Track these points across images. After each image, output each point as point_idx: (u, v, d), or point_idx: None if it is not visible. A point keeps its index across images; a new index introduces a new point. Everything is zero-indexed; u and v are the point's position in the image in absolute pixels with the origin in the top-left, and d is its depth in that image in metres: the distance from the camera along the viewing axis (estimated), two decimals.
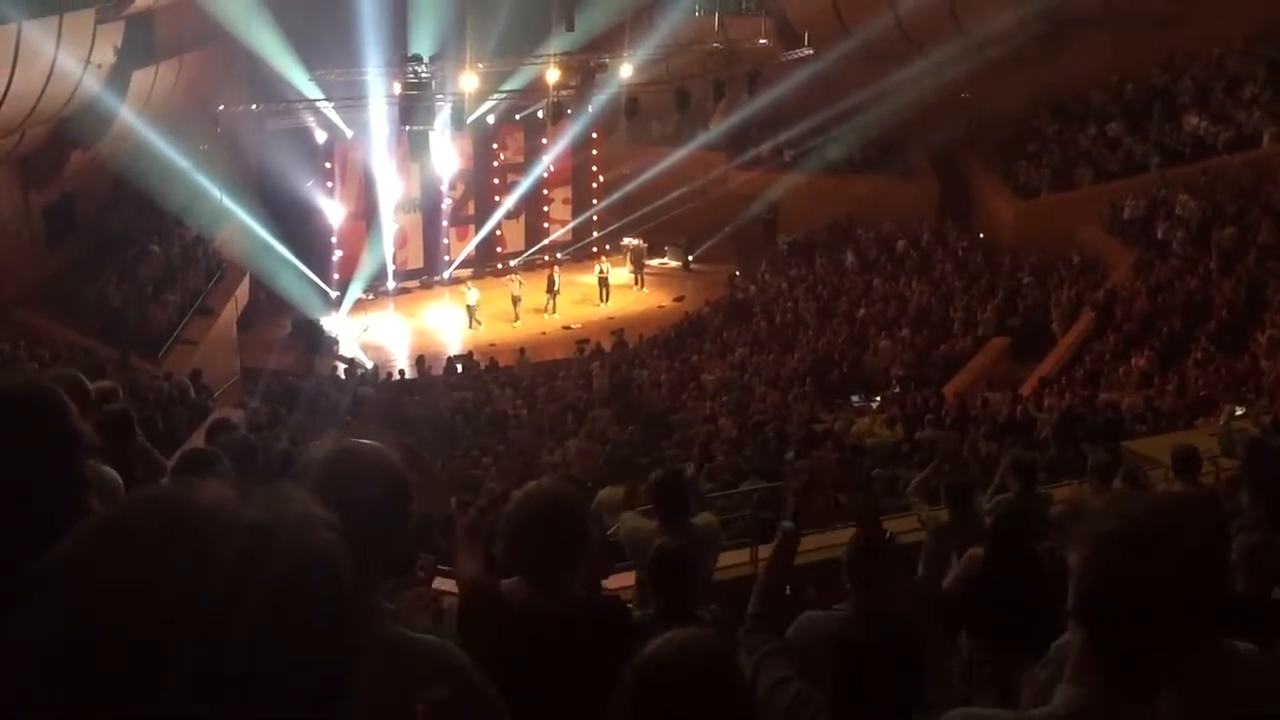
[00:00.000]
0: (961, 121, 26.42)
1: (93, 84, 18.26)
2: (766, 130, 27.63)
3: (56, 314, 19.67)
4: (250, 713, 0.75)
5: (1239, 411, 12.55)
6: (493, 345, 23.24)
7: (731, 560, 7.29)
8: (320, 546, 0.83)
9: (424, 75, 22.20)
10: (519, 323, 25.18)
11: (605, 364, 20.30)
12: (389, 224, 26.36)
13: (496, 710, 2.02)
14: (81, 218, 22.29)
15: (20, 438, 1.57)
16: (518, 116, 27.93)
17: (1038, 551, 5.12)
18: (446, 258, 27.72)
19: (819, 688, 2.49)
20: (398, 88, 22.93)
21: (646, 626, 2.82)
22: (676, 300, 26.57)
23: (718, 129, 28.06)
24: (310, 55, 23.09)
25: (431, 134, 25.37)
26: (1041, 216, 24.06)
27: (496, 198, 28.16)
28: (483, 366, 21.15)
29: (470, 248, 28.12)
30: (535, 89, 25.39)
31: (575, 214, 29.70)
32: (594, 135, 28.77)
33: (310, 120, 24.76)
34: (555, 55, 24.68)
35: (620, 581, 5.38)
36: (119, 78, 19.21)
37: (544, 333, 24.85)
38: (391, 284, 26.85)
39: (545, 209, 29.46)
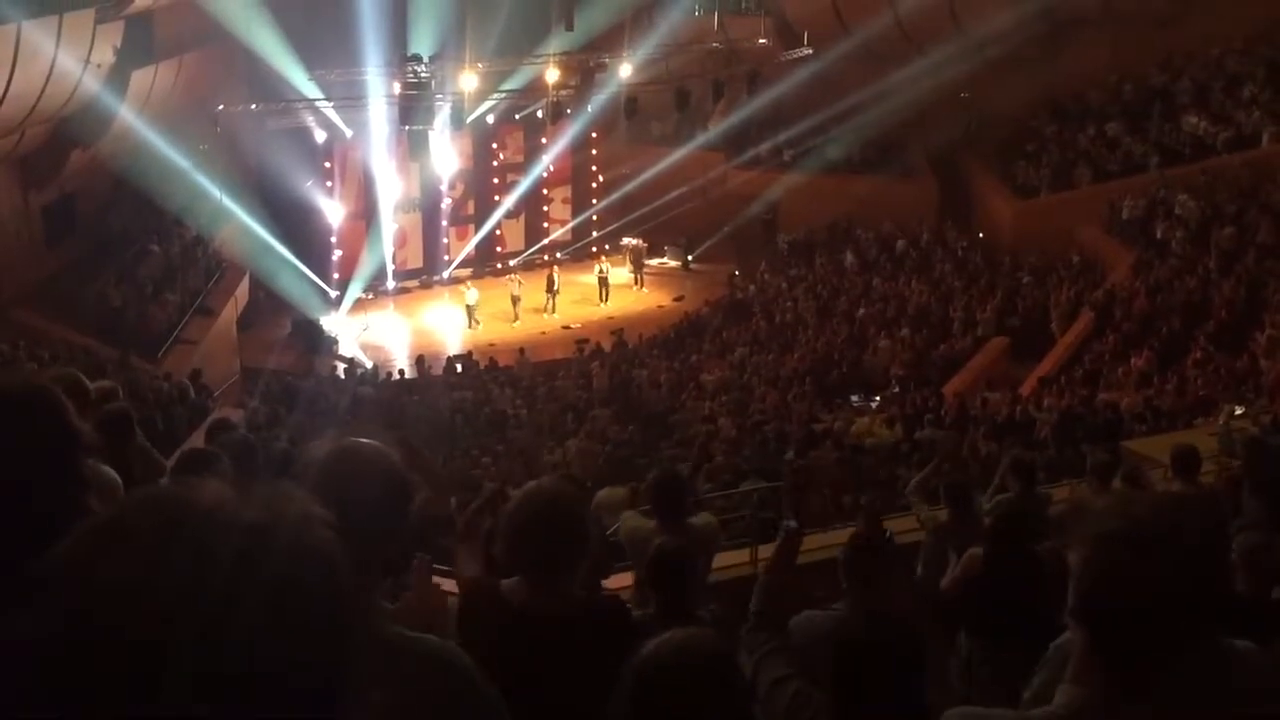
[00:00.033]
0: (961, 121, 26.43)
1: (92, 84, 18.26)
2: (766, 130, 27.62)
3: (56, 314, 19.67)
4: (250, 713, 0.75)
5: (1238, 411, 12.57)
6: (492, 345, 23.24)
7: (731, 560, 7.29)
8: (319, 546, 0.83)
9: (424, 75, 22.19)
10: (519, 322, 25.18)
11: (605, 364, 20.30)
12: (389, 224, 26.36)
13: (497, 710, 2.02)
14: (81, 217, 22.28)
15: (18, 437, 1.57)
16: (517, 116, 27.92)
17: (1037, 551, 5.12)
18: (446, 257, 27.72)
19: (819, 687, 2.49)
20: (397, 87, 22.92)
21: (646, 626, 2.82)
22: (676, 300, 26.57)
23: (717, 129, 28.06)
24: (310, 55, 23.09)
25: (431, 134, 25.38)
26: (1041, 216, 24.07)
27: (496, 197, 28.16)
28: (482, 366, 21.15)
29: (470, 247, 28.12)
30: (535, 89, 25.38)
31: (575, 214, 29.70)
32: (593, 135, 28.76)
33: (310, 120, 24.76)
34: (555, 55, 24.68)
35: (619, 581, 5.38)
36: (118, 77, 19.21)
37: (544, 332, 24.85)
38: (391, 284, 26.84)
39: (545, 209, 29.46)
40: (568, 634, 2.56)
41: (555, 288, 25.91)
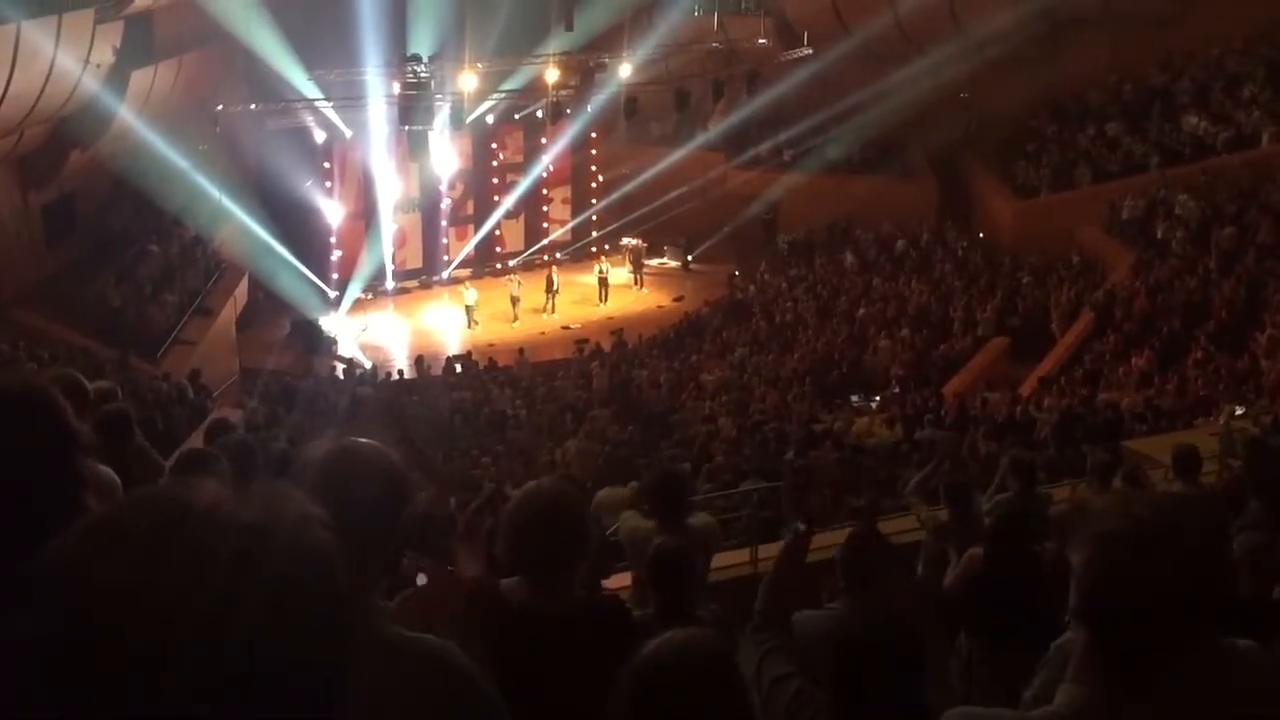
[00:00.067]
0: (961, 121, 26.44)
1: (92, 84, 18.26)
2: (766, 130, 27.64)
3: (55, 314, 19.66)
4: (250, 713, 0.75)
5: (1239, 411, 12.58)
6: (492, 345, 23.24)
7: (731, 560, 7.29)
8: (318, 546, 0.83)
9: (423, 75, 22.19)
10: (518, 323, 25.18)
11: (604, 364, 20.30)
12: (388, 224, 26.37)
13: (497, 710, 2.01)
14: (81, 218, 22.28)
15: (17, 437, 1.57)
16: (517, 116, 27.93)
17: (1037, 551, 5.12)
18: (446, 258, 27.72)
19: (819, 686, 2.48)
20: (397, 87, 22.92)
21: (646, 626, 2.82)
22: (676, 300, 26.57)
23: (717, 129, 28.07)
24: (309, 55, 23.09)
25: (431, 134, 25.38)
26: (1041, 216, 24.07)
27: (496, 197, 28.17)
28: (482, 366, 21.15)
29: (469, 248, 28.12)
30: (534, 89, 25.39)
31: (574, 214, 29.71)
32: (593, 135, 28.77)
33: (309, 120, 24.76)
34: (554, 55, 24.68)
35: (618, 582, 5.38)
36: (118, 78, 19.20)
37: (543, 333, 24.85)
38: (390, 284, 26.85)
39: (544, 209, 29.47)
40: (568, 634, 2.55)
41: (554, 288, 25.92)
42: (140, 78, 20.04)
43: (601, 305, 26.41)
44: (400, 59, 22.59)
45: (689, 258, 28.27)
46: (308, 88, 23.78)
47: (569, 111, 25.22)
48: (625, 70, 25.54)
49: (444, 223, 27.63)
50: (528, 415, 17.47)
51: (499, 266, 28.16)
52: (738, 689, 1.89)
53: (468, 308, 24.98)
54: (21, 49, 15.76)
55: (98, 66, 18.22)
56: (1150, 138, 24.01)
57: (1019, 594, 4.70)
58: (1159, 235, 21.23)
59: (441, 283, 27.45)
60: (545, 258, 28.64)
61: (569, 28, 24.71)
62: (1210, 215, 20.74)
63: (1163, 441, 9.65)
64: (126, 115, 19.75)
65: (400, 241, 27.09)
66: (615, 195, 28.50)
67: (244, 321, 24.06)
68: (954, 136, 26.43)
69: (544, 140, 28.11)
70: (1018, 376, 18.78)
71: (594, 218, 29.48)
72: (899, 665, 2.31)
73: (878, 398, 18.10)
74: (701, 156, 27.71)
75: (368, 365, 22.17)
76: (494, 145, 28.48)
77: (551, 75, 24.41)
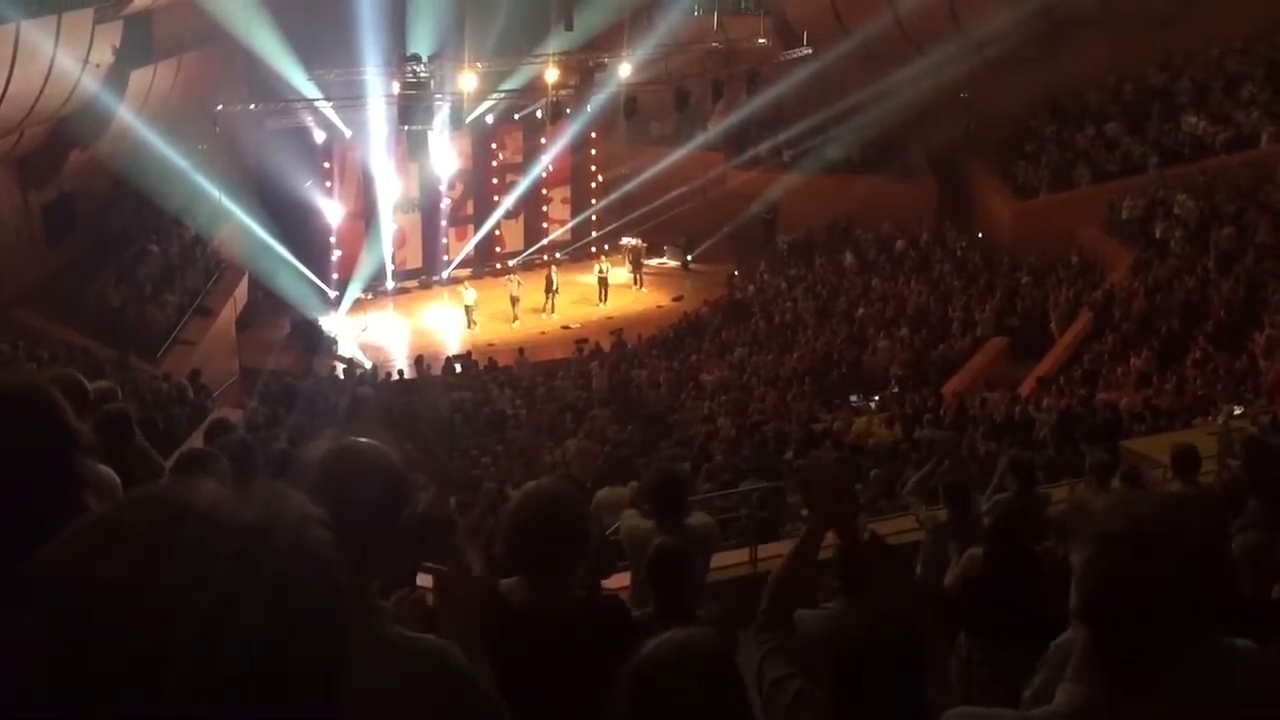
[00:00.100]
0: (960, 121, 26.43)
1: (91, 84, 18.25)
2: (765, 130, 27.63)
3: (55, 314, 19.66)
4: (250, 713, 0.75)
5: (1237, 411, 12.59)
6: (491, 345, 23.24)
7: (731, 560, 7.29)
8: (317, 546, 0.83)
9: (423, 75, 22.19)
10: (518, 323, 25.18)
11: (604, 364, 20.30)
12: (388, 224, 26.36)
13: (497, 710, 2.02)
14: (80, 217, 22.27)
15: (16, 437, 1.57)
16: (516, 116, 27.92)
17: (1036, 551, 5.12)
18: (445, 257, 27.71)
19: (819, 687, 2.48)
20: (396, 87, 22.92)
21: (646, 626, 2.82)
22: (675, 300, 26.57)
23: (716, 129, 28.07)
24: (309, 55, 23.08)
25: (430, 134, 25.37)
26: (1040, 216, 24.07)
27: (495, 197, 28.16)
28: (481, 366, 21.15)
29: (469, 247, 28.12)
30: (534, 89, 25.39)
31: (574, 214, 29.71)
32: (593, 135, 28.76)
33: (309, 120, 24.75)
34: (554, 55, 24.68)
35: (617, 582, 5.38)
36: (117, 77, 19.19)
37: (543, 332, 24.84)
38: (390, 284, 26.84)
39: (544, 209, 29.46)
40: (568, 634, 2.56)
41: (554, 288, 25.91)
42: (140, 77, 20.04)
43: (601, 305, 26.41)
44: (400, 59, 22.59)
45: (688, 258, 28.27)
46: (307, 88, 23.77)
47: (569, 111, 25.22)
48: (625, 70, 25.54)
49: (444, 223, 27.62)
50: (527, 415, 17.46)
51: (499, 266, 28.15)
52: (737, 689, 1.89)
53: (467, 308, 24.98)
54: (21, 49, 15.76)
55: (97, 66, 18.21)
56: (1149, 138, 24.01)
57: (1018, 594, 4.70)
58: (1158, 235, 21.24)
59: (441, 283, 27.44)
60: (545, 258, 28.64)
61: (569, 27, 24.70)
62: (1209, 215, 20.75)
63: (1161, 441, 9.64)
64: (126, 115, 19.74)
65: (400, 241, 27.09)
66: (615, 195, 28.50)
67: (244, 321, 24.06)
68: (953, 136, 26.43)
69: (543, 140, 28.10)
70: (1017, 376, 18.78)
71: (593, 218, 29.48)
72: (899, 665, 2.31)
73: (877, 398, 18.11)
74: (701, 156, 27.71)
75: (368, 365, 22.16)
76: (494, 145, 28.47)
77: (551, 75, 24.41)
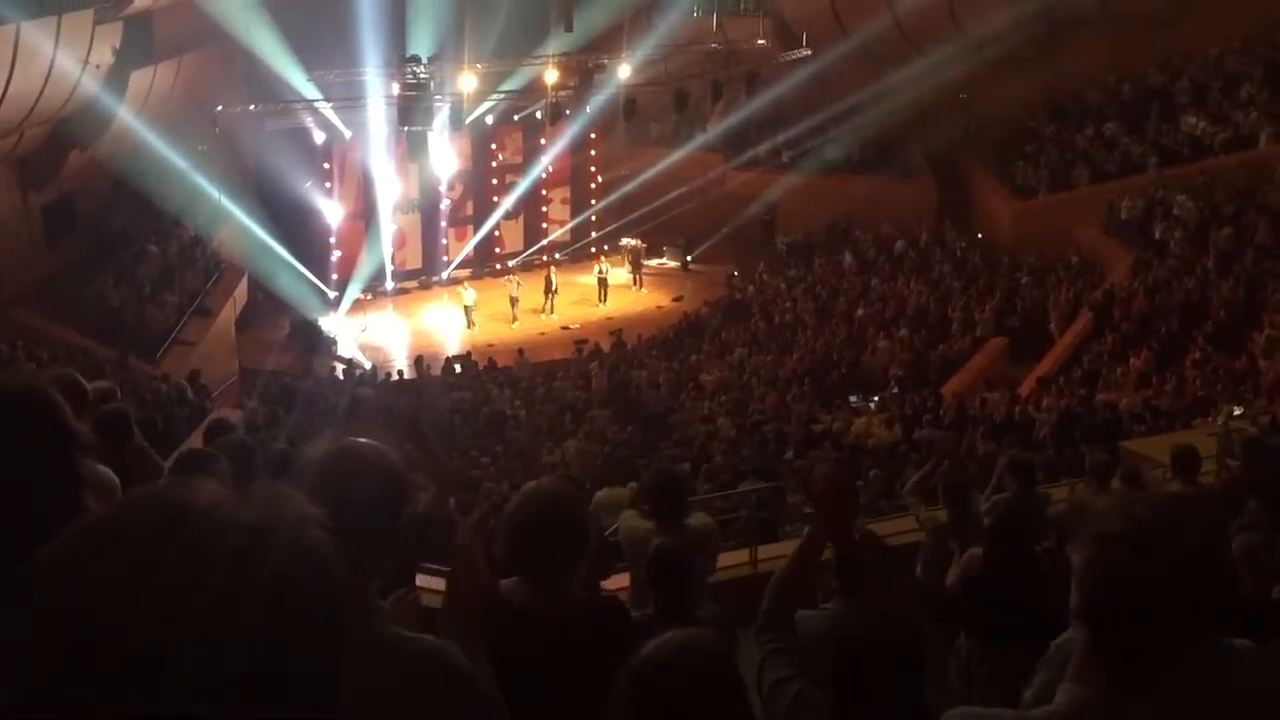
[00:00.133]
0: (959, 122, 26.43)
1: (91, 84, 18.24)
2: (765, 131, 27.63)
3: (55, 314, 19.65)
4: (250, 713, 0.75)
5: (1237, 411, 12.59)
6: (491, 346, 23.24)
7: (731, 560, 7.29)
8: (316, 546, 0.83)
9: (422, 76, 22.20)
10: (517, 323, 25.17)
11: (604, 364, 20.30)
12: (387, 224, 26.37)
13: (496, 710, 2.01)
14: (80, 218, 22.27)
15: (15, 437, 1.57)
16: (516, 117, 27.93)
17: (1036, 552, 5.12)
18: (445, 258, 27.71)
19: (820, 688, 2.48)
20: (396, 88, 22.92)
21: (646, 627, 2.82)
22: (675, 300, 26.57)
23: (716, 129, 28.08)
24: (309, 55, 23.08)
25: (430, 134, 25.37)
26: (1039, 217, 24.08)
27: (495, 198, 28.17)
28: (481, 367, 21.15)
29: (469, 248, 28.12)
30: (534, 89, 25.39)
31: (574, 214, 29.71)
32: (592, 136, 28.76)
33: (309, 121, 24.75)
34: (554, 56, 24.69)
35: (616, 582, 5.38)
36: (117, 78, 19.19)
37: (542, 333, 24.84)
38: (390, 284, 26.84)
39: (544, 209, 29.47)
40: (567, 634, 2.56)
41: (554, 288, 25.91)
42: (139, 78, 20.04)
43: (601, 305, 26.41)
44: (400, 60, 22.59)
45: (688, 258, 28.27)
46: (307, 88, 23.77)
47: (568, 112, 25.23)
48: (624, 71, 25.54)
49: (443, 223, 27.63)
50: (527, 415, 17.46)
51: (498, 267, 28.15)
52: (737, 689, 1.89)
53: (466, 308, 24.97)
54: (21, 50, 15.75)
55: (97, 67, 18.21)
56: (1148, 138, 24.02)
57: (1018, 594, 4.70)
58: (1157, 235, 21.24)
59: (441, 283, 27.44)
60: (544, 258, 28.63)
61: (568, 28, 24.71)
62: (1208, 216, 20.75)
63: (1161, 442, 9.65)
64: (126, 116, 19.74)
65: (400, 242, 27.09)
66: (614, 196, 28.50)
67: (243, 322, 24.05)
68: (953, 137, 26.43)
69: (543, 141, 28.11)
70: (1016, 377, 18.79)
71: (593, 218, 29.48)
72: (899, 665, 2.31)
73: (876, 398, 18.11)
74: (700, 157, 27.72)
75: (367, 366, 22.17)
76: (493, 146, 28.48)
77: (551, 76, 24.41)
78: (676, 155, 27.59)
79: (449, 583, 2.43)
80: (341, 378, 21.04)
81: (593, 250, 29.00)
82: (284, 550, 0.80)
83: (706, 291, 26.25)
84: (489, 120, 27.59)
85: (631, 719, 1.77)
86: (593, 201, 29.55)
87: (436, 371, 21.08)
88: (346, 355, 23.08)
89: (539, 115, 26.00)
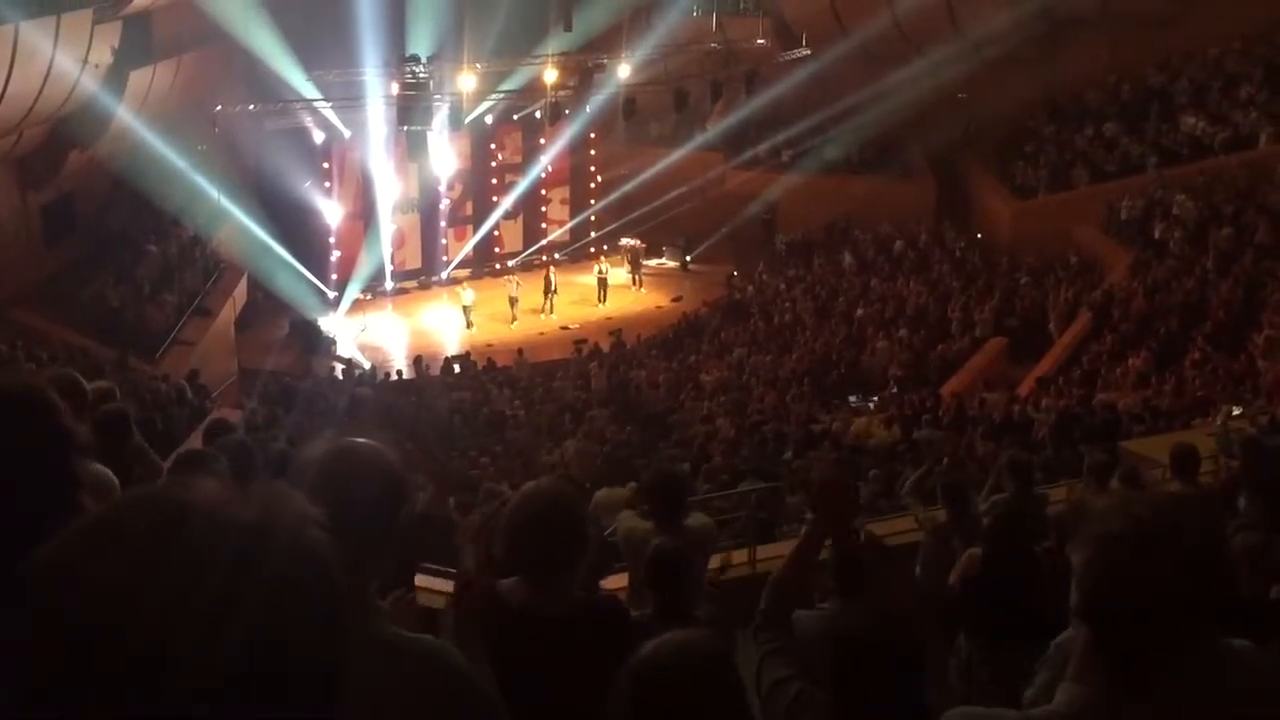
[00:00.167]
0: (959, 122, 26.44)
1: (90, 84, 18.24)
2: (764, 131, 27.64)
3: (54, 314, 19.65)
4: (249, 713, 0.75)
5: (1236, 412, 12.58)
6: (490, 346, 23.23)
7: (730, 561, 7.29)
8: (315, 546, 0.83)
9: (422, 75, 22.19)
10: (516, 323, 25.17)
11: (603, 364, 20.30)
12: (387, 224, 26.37)
13: (496, 710, 2.01)
14: (79, 218, 22.27)
15: (13, 437, 1.57)
16: (516, 117, 27.93)
17: (1035, 552, 5.12)
18: (444, 258, 27.72)
19: (819, 688, 2.48)
20: (395, 88, 22.92)
21: (645, 627, 2.82)
22: (674, 300, 26.58)
23: (715, 129, 28.08)
24: (308, 55, 23.08)
25: (429, 134, 25.37)
26: (1039, 217, 24.08)
27: (494, 198, 28.17)
28: (480, 367, 21.14)
29: (468, 248, 28.12)
30: (533, 89, 25.39)
31: (573, 214, 29.71)
32: (592, 135, 28.76)
33: (308, 120, 24.75)
34: (553, 55, 24.69)
35: (614, 583, 5.37)
36: (116, 78, 19.19)
37: (542, 333, 24.84)
38: (389, 284, 26.85)
39: (543, 209, 29.47)
40: (567, 634, 2.55)
41: (553, 288, 25.91)
42: (139, 78, 20.03)
43: (600, 305, 26.41)
44: (399, 59, 22.59)
45: (687, 258, 28.27)
46: (306, 88, 23.77)
47: (567, 112, 25.23)
48: (624, 71, 25.54)
49: (443, 223, 27.63)
50: (526, 416, 17.46)
51: (498, 267, 28.16)
52: (736, 689, 1.89)
53: (465, 308, 24.97)
54: (20, 49, 15.75)
55: (96, 67, 18.21)
56: (1148, 138, 24.02)
57: (1017, 594, 4.70)
58: (1157, 236, 21.25)
59: (440, 283, 27.45)
60: (544, 258, 28.64)
61: (567, 28, 24.72)
62: (1208, 216, 20.75)
63: (1160, 442, 9.64)
64: (125, 115, 19.73)
65: (399, 242, 27.09)
66: (614, 196, 28.50)
67: (243, 322, 24.05)
68: (952, 137, 26.43)
69: (543, 141, 28.10)
70: (1015, 377, 18.79)
71: (593, 218, 29.48)
72: (898, 665, 2.31)
73: (876, 398, 18.12)
74: (700, 157, 27.72)
75: (367, 366, 22.17)
76: (492, 146, 28.48)
77: (550, 76, 24.41)
78: (676, 155, 27.60)
79: (458, 584, 2.43)
80: (341, 378, 21.04)
81: (592, 250, 29.00)
82: (284, 550, 0.80)
83: (706, 291, 26.25)
84: (488, 120, 27.59)
85: (631, 719, 1.77)
86: (592, 201, 29.55)
87: (436, 371, 21.08)
88: (346, 355, 23.08)
89: (538, 115, 26.00)
